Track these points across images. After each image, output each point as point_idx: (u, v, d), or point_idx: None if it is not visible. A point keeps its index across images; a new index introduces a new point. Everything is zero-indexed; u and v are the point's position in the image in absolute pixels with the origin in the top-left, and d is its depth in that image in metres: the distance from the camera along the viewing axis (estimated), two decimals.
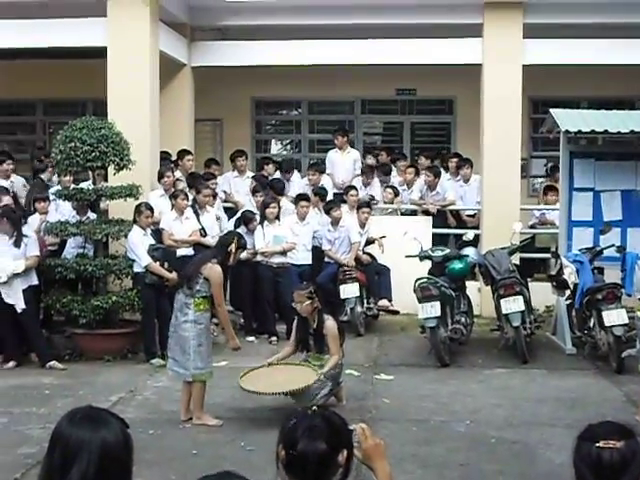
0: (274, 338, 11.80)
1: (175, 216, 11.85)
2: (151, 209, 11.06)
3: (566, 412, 8.60)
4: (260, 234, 12.15)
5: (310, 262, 12.61)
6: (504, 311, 10.63)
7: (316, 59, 14.09)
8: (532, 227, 13.97)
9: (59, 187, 11.98)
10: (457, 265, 11.14)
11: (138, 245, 10.75)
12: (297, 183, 14.22)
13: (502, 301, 10.65)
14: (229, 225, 12.72)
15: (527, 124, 15.80)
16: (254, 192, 12.82)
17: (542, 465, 7.15)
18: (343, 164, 14.57)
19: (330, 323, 8.54)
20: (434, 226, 13.62)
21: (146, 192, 11.71)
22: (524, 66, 13.28)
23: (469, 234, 12.05)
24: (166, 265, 10.77)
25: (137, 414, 8.43)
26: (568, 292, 11.18)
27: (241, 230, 11.85)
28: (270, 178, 13.71)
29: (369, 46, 14.05)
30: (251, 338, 11.87)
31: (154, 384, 9.72)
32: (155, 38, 12.61)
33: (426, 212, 13.98)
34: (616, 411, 8.41)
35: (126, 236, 10.87)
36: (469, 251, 11.58)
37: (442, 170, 14.54)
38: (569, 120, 11.32)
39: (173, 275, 10.57)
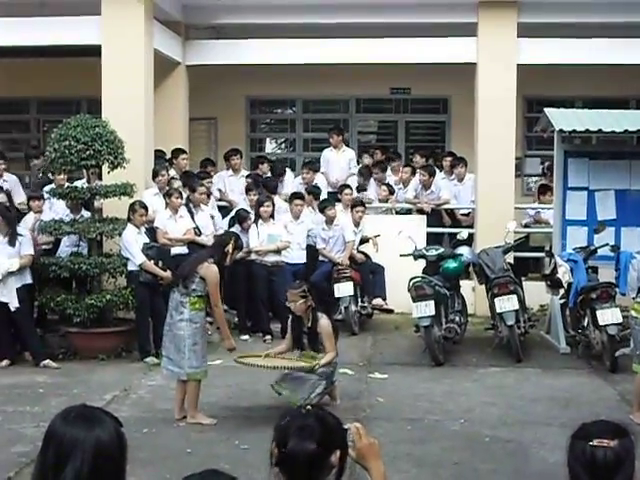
0: (268, 337, 11.81)
1: (169, 215, 11.84)
2: (145, 208, 11.05)
3: (560, 411, 8.62)
4: (254, 233, 12.14)
5: (304, 261, 12.62)
6: (498, 310, 10.64)
7: (311, 58, 14.08)
8: (526, 226, 13.98)
9: (53, 186, 11.97)
10: (451, 264, 11.15)
11: (132, 244, 10.74)
12: (290, 182, 14.21)
13: (496, 300, 10.67)
14: (223, 224, 12.72)
15: (521, 123, 15.82)
16: (247, 190, 12.81)
17: (536, 464, 7.16)
18: (338, 163, 14.56)
19: (324, 321, 8.54)
20: (428, 225, 13.62)
21: (140, 191, 11.70)
22: (518, 65, 13.29)
23: (463, 233, 12.05)
24: (160, 264, 10.76)
25: (131, 413, 8.42)
26: (562, 291, 11.20)
27: (235, 229, 11.86)
28: (264, 177, 13.72)
29: (364, 45, 14.06)
30: (245, 337, 11.87)
31: (148, 383, 9.71)
32: (149, 36, 12.60)
33: (421, 211, 13.98)
34: (610, 410, 8.43)
35: (120, 235, 10.86)
36: (463, 250, 11.59)
37: (436, 169, 14.54)
38: (563, 119, 11.33)
39: (167, 274, 10.57)
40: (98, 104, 12.47)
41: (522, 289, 11.25)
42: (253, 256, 12.07)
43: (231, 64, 14.46)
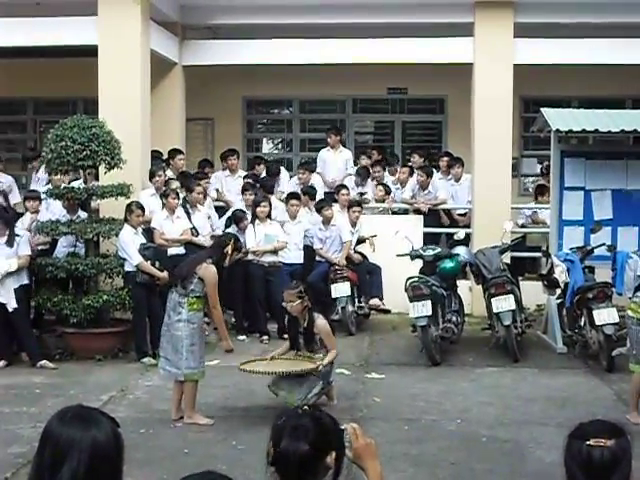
0: (265, 337, 11.81)
1: (166, 215, 11.83)
2: (142, 208, 11.04)
3: (557, 411, 8.62)
4: (251, 233, 12.14)
5: (301, 261, 12.61)
6: (495, 310, 10.65)
7: (307, 58, 14.08)
8: (523, 226, 13.98)
9: (49, 186, 11.96)
10: (448, 264, 11.15)
11: (129, 244, 10.74)
12: (285, 181, 14.20)
13: (493, 300, 10.67)
14: (220, 224, 12.72)
15: (518, 123, 15.82)
16: (243, 190, 12.79)
17: (533, 464, 7.17)
18: (335, 163, 14.56)
19: (321, 322, 8.53)
20: (425, 225, 13.62)
21: (137, 191, 11.68)
22: (515, 65, 13.31)
23: (460, 233, 12.07)
24: (157, 264, 10.76)
25: (128, 413, 8.42)
26: (559, 291, 11.20)
27: (232, 229, 11.85)
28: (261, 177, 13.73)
29: (360, 45, 14.06)
30: (242, 337, 11.86)
31: (145, 383, 9.71)
32: (146, 37, 12.59)
33: (417, 211, 13.98)
34: (607, 410, 8.43)
35: (117, 235, 10.85)
36: (460, 250, 11.60)
37: (433, 170, 14.54)
38: (560, 119, 11.34)
39: (164, 274, 10.57)
40: (95, 105, 12.47)
41: (519, 289, 11.26)
42: (250, 256, 12.06)
43: (228, 64, 14.46)
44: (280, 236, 12.28)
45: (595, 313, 10.12)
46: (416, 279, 10.72)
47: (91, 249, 11.13)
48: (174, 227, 11.88)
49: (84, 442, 2.55)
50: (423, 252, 11.32)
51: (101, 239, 11.26)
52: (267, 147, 18.38)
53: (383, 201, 14.11)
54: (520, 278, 12.04)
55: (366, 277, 12.64)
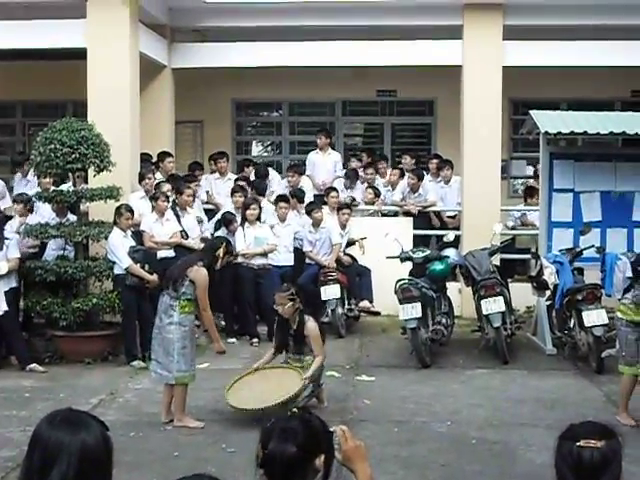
0: (255, 340, 11.80)
1: (155, 218, 11.81)
2: (131, 211, 11.02)
3: (546, 412, 8.64)
4: (241, 235, 12.13)
5: (291, 263, 12.60)
6: (485, 312, 10.66)
7: (296, 60, 14.10)
8: (512, 228, 13.99)
9: (38, 189, 11.93)
10: (438, 266, 11.17)
11: (118, 247, 10.71)
12: (276, 182, 14.19)
13: (483, 302, 10.68)
14: (209, 226, 12.71)
15: (507, 125, 15.84)
16: (233, 193, 12.78)
17: (523, 465, 7.17)
18: (324, 165, 14.57)
19: (311, 324, 8.53)
20: (415, 227, 13.63)
21: (126, 194, 11.66)
22: (504, 68, 13.34)
23: (450, 235, 12.08)
24: (147, 267, 10.75)
25: (118, 416, 8.40)
26: (548, 293, 11.23)
27: (222, 232, 11.84)
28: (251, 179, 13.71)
29: (350, 47, 14.07)
30: (232, 340, 11.84)
31: (135, 386, 9.69)
32: (135, 39, 12.57)
33: (407, 213, 13.99)
34: (596, 411, 8.45)
35: (106, 238, 10.83)
36: (450, 252, 11.61)
37: (424, 172, 14.55)
38: (549, 121, 11.36)
39: (154, 277, 10.56)
40: (84, 107, 12.44)
41: (508, 291, 11.28)
42: (240, 259, 12.04)
43: (217, 67, 14.46)
44: (270, 239, 12.27)
45: (584, 315, 10.14)
46: (406, 281, 10.73)
47: (80, 252, 11.10)
48: (164, 230, 11.86)
49: (73, 445, 2.54)
50: (413, 254, 11.33)
51: (90, 242, 11.24)
52: (256, 150, 18.39)
53: (373, 203, 14.12)
54: (509, 280, 12.05)
55: (356, 279, 12.65)
